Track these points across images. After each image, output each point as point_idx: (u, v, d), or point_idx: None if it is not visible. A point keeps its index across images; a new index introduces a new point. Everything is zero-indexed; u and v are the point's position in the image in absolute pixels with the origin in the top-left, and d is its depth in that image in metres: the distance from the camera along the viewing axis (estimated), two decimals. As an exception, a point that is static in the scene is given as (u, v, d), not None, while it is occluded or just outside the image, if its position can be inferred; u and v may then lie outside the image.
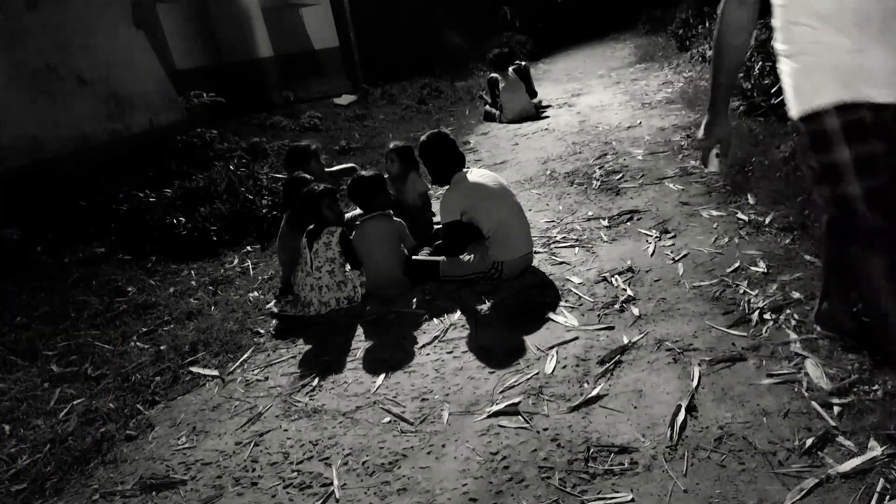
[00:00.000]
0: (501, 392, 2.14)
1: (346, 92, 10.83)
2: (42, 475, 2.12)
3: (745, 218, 3.14)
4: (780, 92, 4.77)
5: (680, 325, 2.33)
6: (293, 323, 3.02)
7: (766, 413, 1.77)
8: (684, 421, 1.80)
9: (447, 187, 3.14)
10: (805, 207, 2.93)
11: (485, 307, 2.81)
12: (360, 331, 2.83)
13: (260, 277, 3.69)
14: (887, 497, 1.43)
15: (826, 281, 1.98)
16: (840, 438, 1.63)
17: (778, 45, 1.61)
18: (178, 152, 5.86)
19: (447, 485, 1.76)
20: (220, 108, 7.01)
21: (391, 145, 3.95)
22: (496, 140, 6.56)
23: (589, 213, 3.77)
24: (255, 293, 3.45)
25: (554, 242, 3.40)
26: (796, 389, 1.84)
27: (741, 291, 2.46)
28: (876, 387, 1.76)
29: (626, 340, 2.29)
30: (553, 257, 3.22)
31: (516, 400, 2.06)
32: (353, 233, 3.19)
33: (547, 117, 7.16)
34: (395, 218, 3.25)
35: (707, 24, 9.34)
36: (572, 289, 2.81)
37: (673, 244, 3.07)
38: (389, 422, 2.10)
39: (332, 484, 1.84)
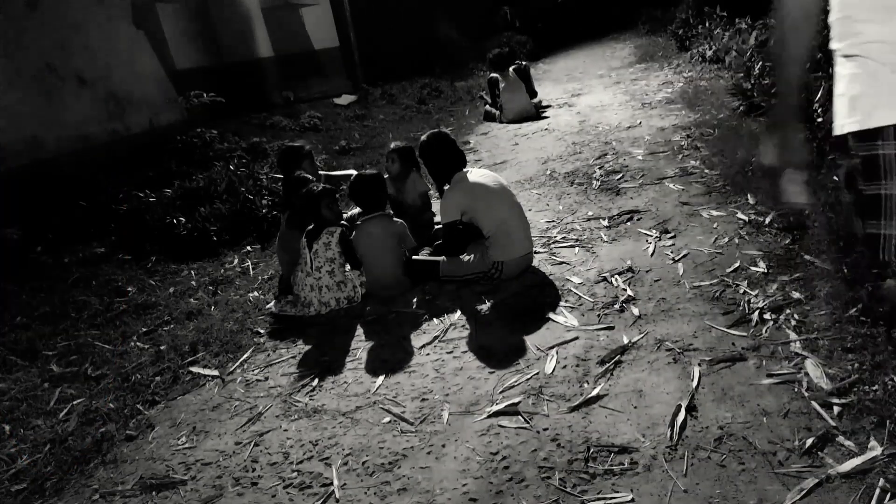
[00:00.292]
0: (501, 392, 2.14)
1: (346, 92, 10.83)
2: (42, 475, 2.12)
3: (745, 218, 3.14)
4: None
5: (680, 325, 2.33)
6: (293, 323, 3.02)
7: (766, 413, 1.77)
8: (684, 421, 1.80)
9: (447, 187, 3.15)
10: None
11: (485, 307, 2.81)
12: (360, 331, 2.83)
13: (260, 277, 3.69)
14: (887, 497, 1.43)
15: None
16: (840, 438, 1.63)
17: (834, 44, 1.30)
18: (178, 152, 5.86)
19: (447, 485, 1.75)
20: (220, 108, 7.01)
21: (392, 145, 3.95)
22: (496, 140, 6.55)
23: (589, 213, 3.77)
24: (255, 293, 3.45)
25: (554, 242, 3.40)
26: (796, 389, 1.84)
27: (741, 291, 2.46)
28: (876, 387, 1.76)
29: (626, 340, 2.29)
30: (553, 257, 3.22)
31: (516, 400, 2.06)
32: (354, 233, 3.19)
33: (547, 117, 7.16)
34: (396, 218, 3.25)
35: (707, 24, 9.34)
36: (572, 289, 2.81)
37: (673, 244, 3.07)
38: (389, 422, 2.10)
39: (332, 484, 1.84)
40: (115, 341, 3.11)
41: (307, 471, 1.93)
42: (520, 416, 1.98)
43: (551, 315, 2.60)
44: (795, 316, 2.21)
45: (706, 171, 4.04)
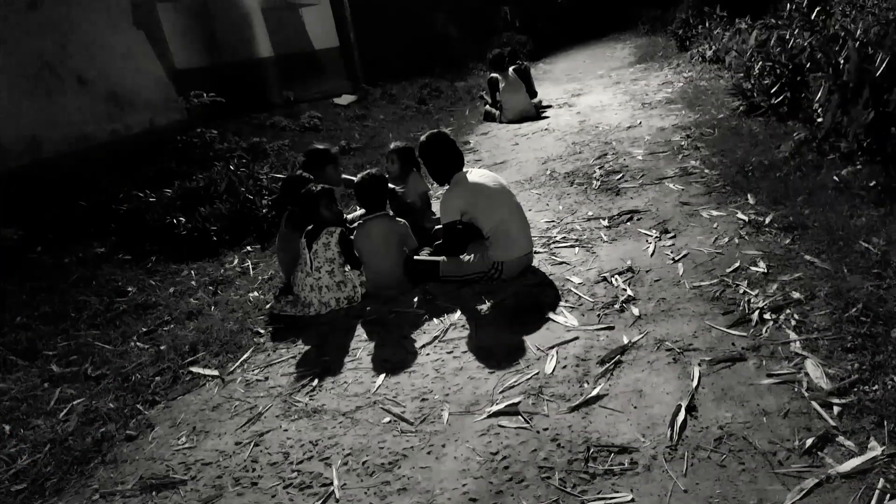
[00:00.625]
0: (501, 392, 2.14)
1: (346, 92, 10.83)
2: (42, 475, 2.12)
3: (745, 218, 3.14)
4: (780, 92, 4.78)
5: (680, 325, 2.33)
6: (293, 323, 3.02)
7: (766, 413, 1.77)
8: (684, 421, 1.80)
9: (447, 187, 3.15)
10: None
11: (485, 307, 2.80)
12: (360, 331, 2.83)
13: (260, 277, 3.69)
14: (887, 497, 1.43)
15: None
16: (840, 438, 1.63)
17: None
18: (178, 152, 5.86)
19: (447, 485, 1.75)
20: (220, 108, 7.01)
21: (392, 145, 3.94)
22: (496, 140, 6.55)
23: (589, 213, 3.77)
24: (255, 293, 3.45)
25: (554, 242, 3.40)
26: (796, 389, 1.84)
27: (741, 291, 2.46)
28: (876, 387, 1.76)
29: (626, 340, 2.29)
30: (553, 257, 3.22)
31: (516, 400, 2.06)
32: (355, 232, 3.19)
33: (547, 117, 7.16)
34: (398, 219, 3.25)
35: (707, 24, 9.35)
36: (572, 289, 2.81)
37: (673, 244, 3.07)
38: (389, 422, 2.10)
39: (332, 484, 1.84)
40: (115, 341, 3.11)
41: (307, 471, 1.93)
42: (520, 416, 1.98)
43: (551, 315, 2.60)
44: (795, 316, 2.21)
45: (706, 171, 4.04)
